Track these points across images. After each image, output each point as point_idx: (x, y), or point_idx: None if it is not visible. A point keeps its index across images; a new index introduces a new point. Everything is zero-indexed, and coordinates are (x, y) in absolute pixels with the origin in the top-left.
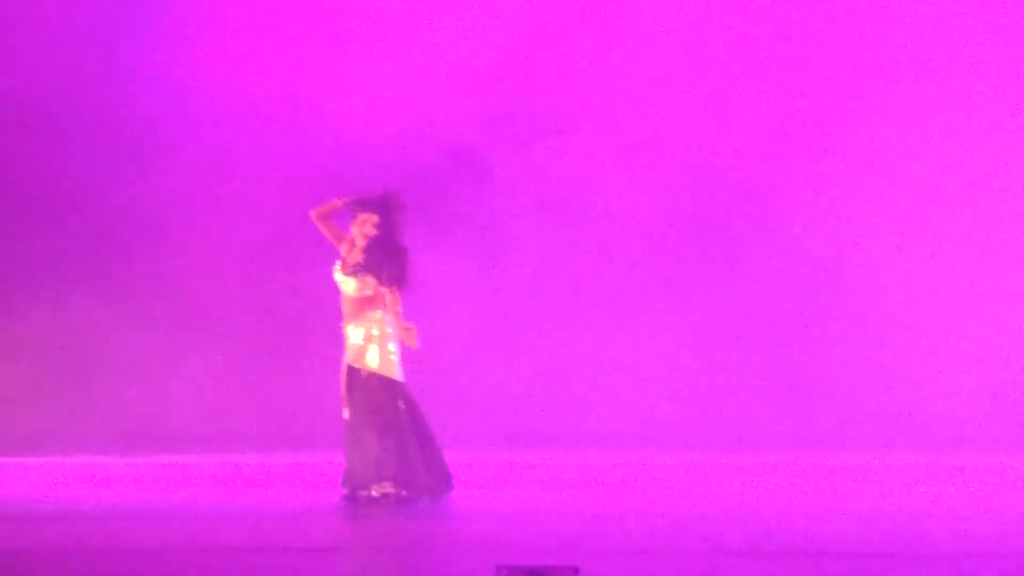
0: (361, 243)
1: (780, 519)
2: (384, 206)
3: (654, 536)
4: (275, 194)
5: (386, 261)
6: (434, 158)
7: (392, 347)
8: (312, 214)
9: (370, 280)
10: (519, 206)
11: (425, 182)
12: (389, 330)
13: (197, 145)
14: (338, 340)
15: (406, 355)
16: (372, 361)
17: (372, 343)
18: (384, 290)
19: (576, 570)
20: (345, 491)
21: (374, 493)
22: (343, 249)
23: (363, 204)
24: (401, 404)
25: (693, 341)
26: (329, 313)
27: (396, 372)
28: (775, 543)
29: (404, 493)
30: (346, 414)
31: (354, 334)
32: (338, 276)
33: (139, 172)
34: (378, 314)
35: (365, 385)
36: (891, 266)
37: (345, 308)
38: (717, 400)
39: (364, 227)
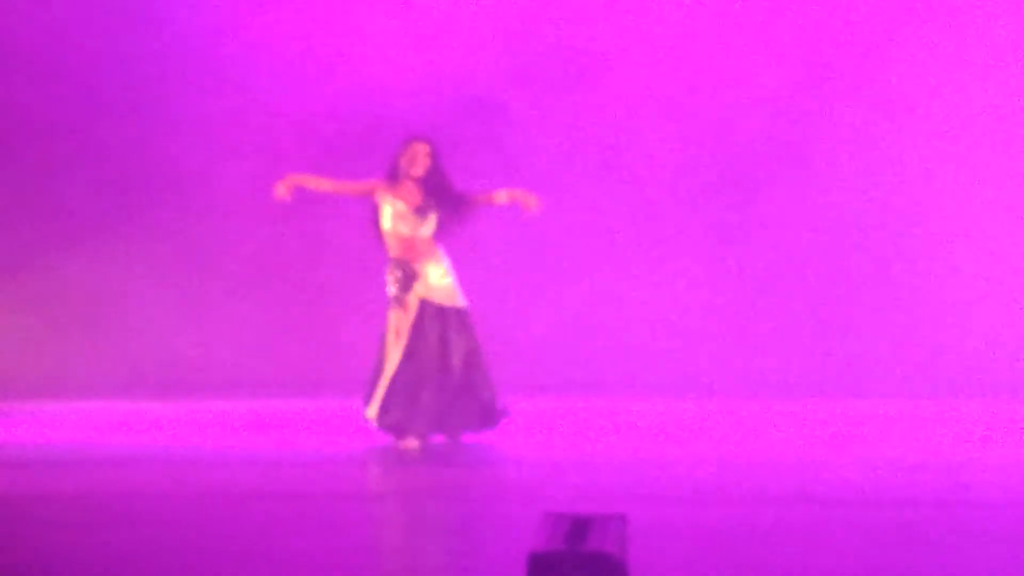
0: (418, 172)
1: (823, 466)
2: (429, 137)
3: (701, 483)
4: (289, 139)
5: (449, 193)
6: (456, 105)
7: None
8: (332, 190)
9: (428, 222)
10: (543, 154)
11: (447, 129)
12: (448, 265)
13: (210, 91)
14: (351, 284)
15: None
16: (461, 300)
17: (449, 278)
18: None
19: (624, 517)
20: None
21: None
22: (385, 197)
23: (413, 135)
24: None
25: (731, 288)
26: (343, 258)
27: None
28: (820, 490)
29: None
30: (397, 351)
31: (433, 272)
32: (398, 215)
33: (151, 118)
34: (439, 252)
35: (460, 322)
36: (923, 211)
37: (397, 246)
38: (757, 347)
39: (419, 157)
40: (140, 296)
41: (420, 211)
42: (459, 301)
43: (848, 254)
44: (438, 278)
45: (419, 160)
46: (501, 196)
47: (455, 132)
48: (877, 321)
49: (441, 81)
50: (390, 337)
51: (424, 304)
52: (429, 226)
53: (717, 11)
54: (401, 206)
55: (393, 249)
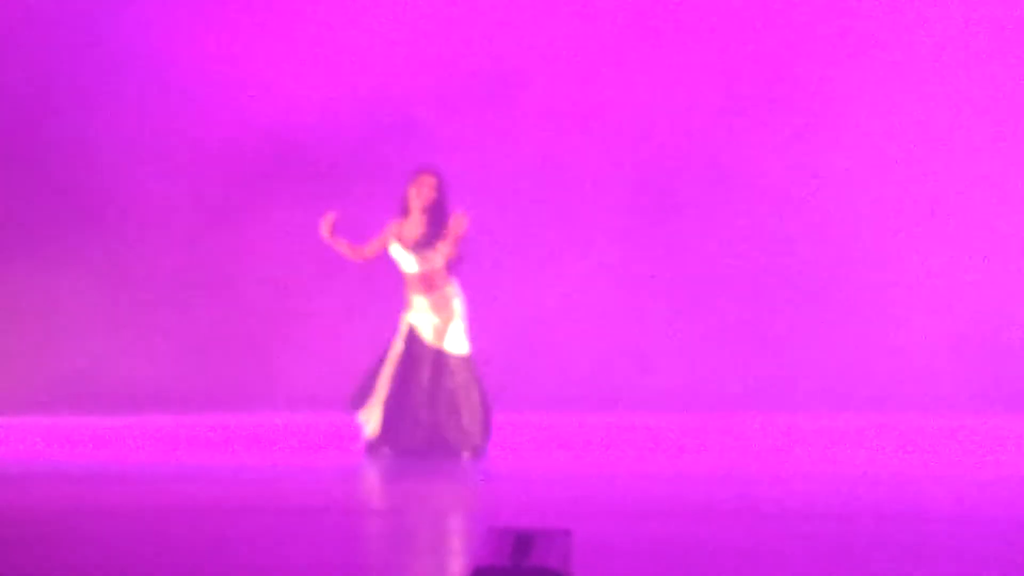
0: (420, 204)
1: (767, 480)
2: (436, 170)
3: (644, 498)
4: (213, 157)
5: (444, 229)
6: (375, 125)
7: (463, 323)
8: (367, 255)
9: (431, 255)
10: (463, 172)
11: (365, 149)
12: (458, 304)
13: (136, 109)
14: (278, 298)
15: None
16: (456, 346)
17: (450, 322)
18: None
19: (568, 533)
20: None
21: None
22: (392, 230)
23: (420, 167)
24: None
25: (662, 302)
26: (269, 272)
27: (468, 347)
28: (765, 504)
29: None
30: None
31: (425, 308)
32: (397, 253)
33: (76, 134)
34: (451, 288)
35: (448, 366)
36: (849, 224)
37: (412, 282)
38: (693, 362)
39: (423, 189)
40: (63, 312)
41: (418, 246)
42: (449, 344)
43: (778, 268)
44: (434, 314)
45: (424, 192)
46: (455, 229)
47: (373, 152)
48: (813, 335)
49: (360, 102)
50: (390, 353)
51: (412, 332)
52: (433, 259)
53: (636, 29)
54: (399, 244)
55: (408, 285)
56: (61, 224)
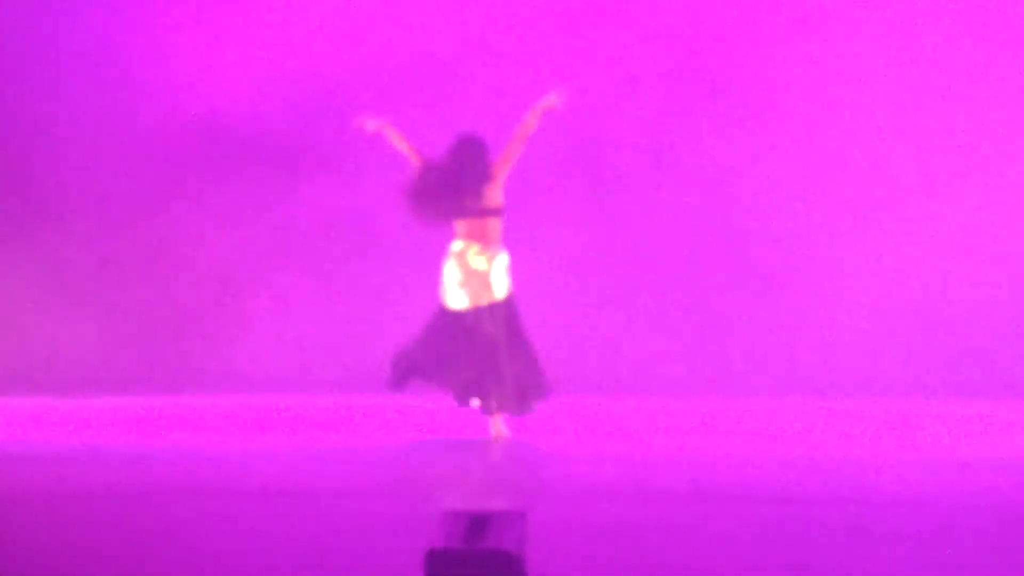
0: None
1: (720, 464)
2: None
3: (599, 480)
4: (157, 139)
5: None
6: (319, 108)
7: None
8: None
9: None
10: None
11: (310, 132)
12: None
13: (76, 93)
14: (222, 283)
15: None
16: (458, 301)
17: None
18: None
19: (523, 514)
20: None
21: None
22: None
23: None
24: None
25: (611, 287)
26: (218, 256)
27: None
28: (715, 487)
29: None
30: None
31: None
32: None
33: (17, 120)
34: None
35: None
36: (801, 208)
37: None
38: (639, 345)
39: None
40: (3, 296)
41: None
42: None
43: (721, 251)
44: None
45: None
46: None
47: (310, 136)
48: (756, 318)
49: (297, 85)
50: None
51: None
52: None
53: (578, 11)
54: None
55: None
56: (1, 209)
